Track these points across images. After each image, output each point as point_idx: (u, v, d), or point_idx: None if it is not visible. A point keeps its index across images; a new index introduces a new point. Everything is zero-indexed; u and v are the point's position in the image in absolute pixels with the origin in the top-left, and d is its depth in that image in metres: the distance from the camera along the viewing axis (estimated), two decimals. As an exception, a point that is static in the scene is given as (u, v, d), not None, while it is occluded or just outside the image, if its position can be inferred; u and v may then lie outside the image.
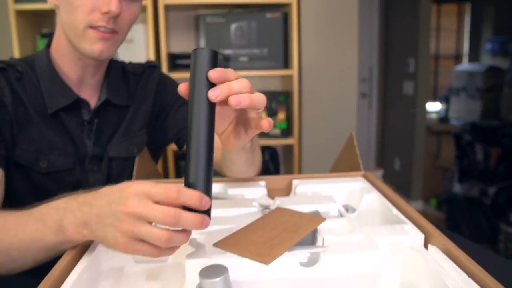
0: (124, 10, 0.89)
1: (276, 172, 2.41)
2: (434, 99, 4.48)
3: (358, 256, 0.59)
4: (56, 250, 0.66)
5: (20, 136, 0.92)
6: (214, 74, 0.57)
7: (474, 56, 4.96)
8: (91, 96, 1.01)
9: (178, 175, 2.24)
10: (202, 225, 0.54)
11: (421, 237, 0.64)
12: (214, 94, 0.56)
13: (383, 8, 4.03)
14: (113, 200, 0.56)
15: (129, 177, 1.05)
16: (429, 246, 0.61)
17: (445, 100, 4.45)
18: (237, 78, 0.60)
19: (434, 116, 4.59)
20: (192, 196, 0.54)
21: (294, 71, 2.22)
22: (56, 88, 0.95)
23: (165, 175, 2.25)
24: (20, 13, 1.97)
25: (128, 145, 1.05)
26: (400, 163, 3.93)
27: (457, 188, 3.52)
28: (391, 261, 0.62)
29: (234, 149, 0.71)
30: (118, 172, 1.04)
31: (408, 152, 3.73)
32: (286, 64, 2.29)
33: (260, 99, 0.60)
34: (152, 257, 0.56)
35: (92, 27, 0.87)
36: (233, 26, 2.23)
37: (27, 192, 0.97)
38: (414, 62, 3.60)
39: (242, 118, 0.66)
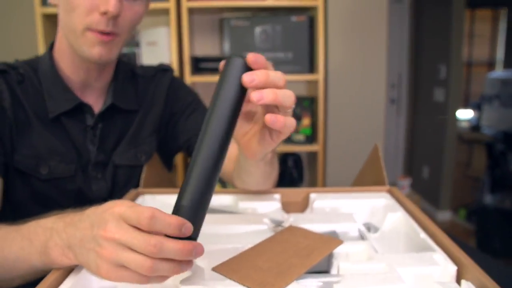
0: (125, 10, 0.83)
1: (300, 179, 2.33)
2: (466, 106, 4.32)
3: (377, 291, 0.51)
4: (43, 272, 0.60)
5: (19, 141, 0.87)
6: (252, 58, 0.51)
7: (509, 63, 4.78)
8: (95, 100, 0.95)
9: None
10: (192, 254, 0.47)
11: (452, 269, 0.55)
12: (249, 79, 0.50)
13: (414, 12, 3.91)
14: (95, 223, 0.50)
15: (136, 186, 0.99)
16: (463, 281, 0.52)
17: (477, 107, 4.29)
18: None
19: (465, 124, 4.44)
20: (169, 224, 0.47)
21: (319, 76, 2.14)
22: (58, 91, 0.90)
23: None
24: (46, 17, 1.96)
25: (136, 152, 0.99)
26: (429, 171, 3.80)
27: (488, 199, 3.37)
28: (417, 298, 0.54)
29: (256, 157, 0.63)
30: (125, 181, 0.99)
31: (438, 161, 3.61)
32: (312, 68, 2.22)
33: (287, 95, 0.53)
34: (140, 284, 0.50)
35: (91, 29, 0.81)
36: (257, 30, 2.18)
37: (29, 200, 0.92)
38: (445, 68, 3.48)
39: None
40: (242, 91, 0.52)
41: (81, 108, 0.92)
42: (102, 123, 0.95)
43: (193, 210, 0.48)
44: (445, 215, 3.61)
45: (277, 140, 0.59)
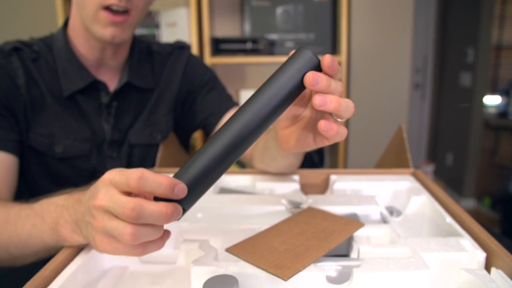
0: None
1: (321, 163, 2.29)
2: (493, 92, 4.19)
3: (400, 276, 0.47)
4: (55, 249, 0.59)
5: (34, 119, 0.86)
6: (328, 61, 0.47)
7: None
8: (111, 78, 0.93)
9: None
10: (172, 217, 0.43)
11: (481, 256, 0.52)
12: (314, 80, 0.46)
13: (442, -7, 3.79)
14: (91, 194, 0.47)
15: (153, 165, 0.98)
16: (493, 269, 0.48)
17: (505, 93, 4.16)
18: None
19: (492, 110, 4.31)
20: (160, 183, 0.43)
21: (342, 57, 2.09)
22: (72, 69, 0.88)
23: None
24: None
25: (152, 131, 0.97)
26: (453, 158, 3.72)
27: (514, 187, 3.29)
28: (442, 286, 0.51)
29: (289, 151, 0.60)
30: (140, 160, 0.97)
31: (462, 147, 3.52)
32: (334, 50, 2.16)
33: (349, 107, 0.49)
34: (134, 256, 0.47)
35: (105, 7, 0.79)
36: (279, 10, 2.14)
37: (44, 179, 0.91)
38: (473, 52, 3.36)
39: (316, 123, 0.54)
40: (299, 88, 0.47)
41: (96, 86, 0.91)
42: (117, 101, 0.93)
43: (194, 175, 0.44)
44: (469, 203, 3.53)
45: (321, 144, 0.55)
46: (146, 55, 1.00)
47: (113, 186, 0.44)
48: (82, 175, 0.91)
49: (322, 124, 0.48)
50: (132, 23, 0.85)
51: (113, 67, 0.93)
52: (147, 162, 0.98)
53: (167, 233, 0.48)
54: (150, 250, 0.47)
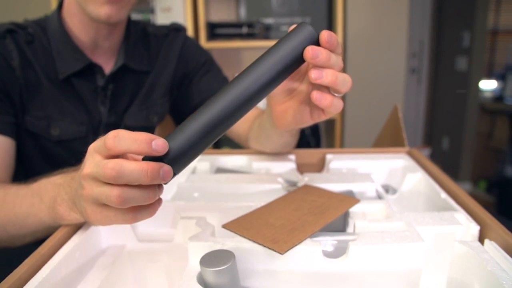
0: None
1: (317, 146, 2.30)
2: (489, 76, 4.19)
3: (396, 249, 0.48)
4: (53, 229, 0.59)
5: (30, 101, 0.86)
6: (326, 35, 0.47)
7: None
8: (106, 60, 0.93)
9: (215, 145, 2.17)
10: (159, 175, 0.41)
11: (475, 228, 0.52)
12: (314, 54, 0.46)
13: (438, -23, 3.77)
14: (81, 167, 0.47)
15: None
16: (486, 240, 0.49)
17: (501, 78, 4.16)
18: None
19: (488, 94, 4.32)
20: (135, 139, 0.40)
21: (339, 41, 2.08)
22: (67, 52, 0.87)
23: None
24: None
25: (148, 113, 0.97)
26: (449, 142, 3.73)
27: (510, 171, 3.31)
28: (437, 258, 0.51)
29: (285, 129, 0.60)
30: None
31: (458, 131, 3.53)
32: (330, 33, 2.16)
33: (346, 80, 0.49)
34: (125, 223, 0.46)
35: None
36: (275, -5, 2.13)
37: (40, 162, 0.91)
38: (469, 36, 3.36)
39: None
40: (298, 61, 0.47)
41: (91, 68, 0.90)
42: (113, 84, 0.93)
43: (178, 156, 0.43)
44: (465, 187, 3.55)
45: (318, 119, 0.55)
46: (142, 37, 1.00)
47: (97, 153, 0.43)
48: (79, 158, 0.91)
49: (314, 94, 0.48)
50: (129, 3, 0.84)
51: (108, 49, 0.93)
52: None
53: (158, 201, 0.46)
54: (142, 216, 0.46)
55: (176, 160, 0.42)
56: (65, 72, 0.87)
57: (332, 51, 0.48)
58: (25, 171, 0.92)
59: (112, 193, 0.41)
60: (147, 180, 0.41)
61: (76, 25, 0.88)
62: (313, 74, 0.46)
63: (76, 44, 0.89)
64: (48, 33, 0.89)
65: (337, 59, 0.48)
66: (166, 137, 0.43)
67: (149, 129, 0.99)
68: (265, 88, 0.46)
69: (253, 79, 0.45)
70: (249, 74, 0.45)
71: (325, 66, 0.47)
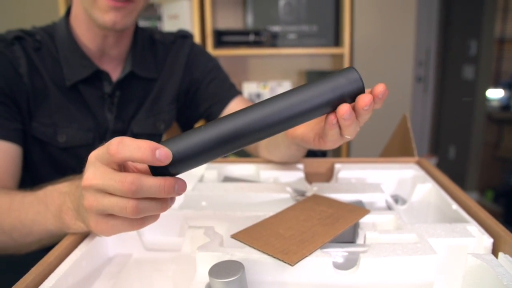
0: None
1: (323, 155, 2.29)
2: (496, 85, 4.18)
3: (407, 261, 0.47)
4: (58, 237, 0.59)
5: (37, 108, 0.86)
6: (381, 90, 0.48)
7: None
8: (114, 67, 0.93)
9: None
10: (175, 190, 0.42)
11: (488, 241, 0.51)
12: (367, 102, 0.46)
13: (445, -15, 3.77)
14: (82, 177, 0.46)
15: None
16: (500, 254, 0.48)
17: (508, 87, 4.15)
18: None
19: (495, 103, 4.30)
20: (139, 146, 0.40)
21: (345, 50, 2.08)
22: (75, 59, 0.88)
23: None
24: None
25: (155, 121, 0.97)
26: (455, 151, 3.71)
27: (517, 181, 3.28)
28: (449, 270, 0.50)
29: (292, 139, 0.62)
30: None
31: (465, 141, 3.51)
32: (337, 42, 2.16)
33: (356, 130, 0.51)
34: (133, 230, 0.46)
35: None
36: (281, 2, 2.14)
37: (48, 169, 0.91)
38: (476, 44, 3.34)
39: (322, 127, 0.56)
40: (334, 103, 0.46)
41: (99, 75, 0.90)
42: (120, 91, 0.93)
43: (184, 145, 0.42)
44: (472, 197, 3.51)
45: (318, 146, 0.58)
46: (149, 44, 1.00)
47: (99, 162, 0.43)
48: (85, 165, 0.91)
49: (330, 118, 0.49)
50: (134, 11, 0.84)
51: (115, 57, 0.93)
52: None
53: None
54: (149, 222, 0.46)
55: (178, 167, 0.42)
56: (72, 79, 0.87)
57: (375, 105, 0.48)
58: (31, 178, 0.92)
59: (129, 205, 0.41)
60: (163, 195, 0.41)
61: (84, 32, 0.88)
62: (344, 113, 0.47)
63: (84, 51, 0.89)
64: (55, 40, 0.90)
65: (363, 119, 0.50)
66: (173, 138, 0.43)
67: (156, 136, 0.98)
68: (290, 120, 0.45)
69: (280, 107, 0.44)
70: (278, 101, 0.44)
71: (347, 123, 0.48)
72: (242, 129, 0.43)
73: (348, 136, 0.52)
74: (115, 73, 0.93)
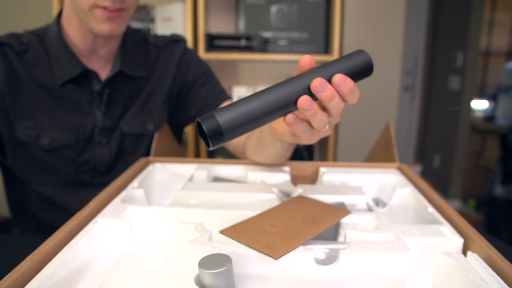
0: None
1: (310, 160, 2.33)
2: (481, 96, 4.26)
3: (384, 258, 0.51)
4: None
5: (19, 113, 0.89)
6: (340, 79, 0.50)
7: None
8: (103, 66, 0.96)
9: (209, 154, 2.20)
10: None
11: (459, 241, 0.55)
12: (319, 87, 0.49)
13: (434, -3, 3.84)
14: None
15: (143, 154, 1.00)
16: (469, 253, 0.52)
17: (493, 98, 4.24)
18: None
19: (479, 114, 4.39)
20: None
21: (334, 57, 2.12)
22: (65, 58, 0.91)
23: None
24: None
25: (144, 121, 1.00)
26: (440, 159, 3.78)
27: (499, 190, 3.35)
28: (422, 267, 0.54)
29: (276, 135, 0.64)
30: (131, 149, 1.00)
31: (449, 149, 3.58)
32: (327, 49, 2.20)
33: (323, 121, 0.53)
34: None
35: (98, 6, 0.82)
36: (273, 8, 2.17)
37: (33, 169, 0.95)
38: (462, 56, 3.42)
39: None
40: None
41: (88, 74, 0.93)
42: (109, 89, 0.96)
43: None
44: (455, 205, 3.60)
45: (295, 140, 0.61)
46: (141, 45, 1.03)
47: None
48: (69, 163, 0.94)
49: (288, 117, 0.51)
50: (126, 17, 0.88)
51: (105, 56, 0.96)
52: (138, 151, 1.01)
53: None
54: None
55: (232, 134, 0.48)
56: (62, 78, 0.91)
57: (342, 93, 0.51)
58: (18, 179, 0.95)
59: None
60: None
61: (75, 33, 0.91)
62: (302, 102, 0.49)
63: (73, 52, 0.92)
64: (46, 41, 0.93)
65: (338, 103, 0.51)
66: (225, 109, 0.48)
67: (145, 136, 1.01)
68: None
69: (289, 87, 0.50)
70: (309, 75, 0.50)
71: (327, 102, 0.50)
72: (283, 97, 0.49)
73: (319, 129, 0.54)
74: (104, 72, 0.96)
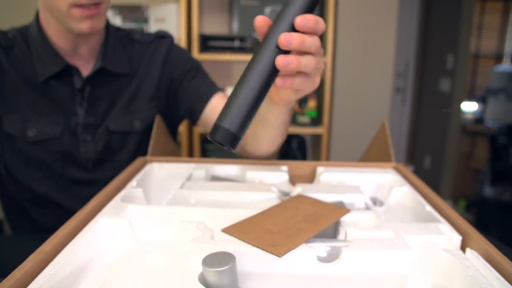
0: None
1: (303, 158, 2.34)
2: (471, 98, 4.31)
3: (384, 255, 0.52)
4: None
5: (5, 105, 0.90)
6: (301, 21, 0.50)
7: (516, 56, 4.74)
8: (85, 63, 0.97)
9: (204, 154, 2.20)
10: None
11: (458, 238, 0.56)
12: (286, 41, 0.50)
13: (424, 1, 3.87)
14: None
15: (131, 151, 1.01)
16: (467, 250, 0.53)
17: (482, 100, 4.28)
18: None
19: (469, 116, 4.43)
20: None
21: (327, 59, 2.14)
22: (46, 55, 0.92)
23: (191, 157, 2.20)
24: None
25: (131, 119, 1.00)
26: (430, 161, 3.81)
27: (488, 191, 3.39)
28: (422, 264, 0.55)
29: (280, 103, 0.65)
30: (119, 146, 1.00)
31: (440, 151, 3.61)
32: (319, 51, 2.21)
33: (310, 61, 0.54)
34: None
35: (76, 5, 0.82)
36: (267, 10, 2.18)
37: (20, 162, 0.95)
38: (452, 58, 3.45)
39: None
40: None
41: (69, 71, 0.94)
42: (91, 86, 0.96)
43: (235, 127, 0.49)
44: (445, 205, 3.62)
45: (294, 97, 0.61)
46: (125, 42, 1.03)
47: None
48: (55, 157, 0.95)
49: (277, 81, 0.53)
50: (105, 12, 0.89)
51: (86, 53, 0.96)
52: (126, 148, 1.01)
53: None
54: None
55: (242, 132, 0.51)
56: (44, 75, 0.91)
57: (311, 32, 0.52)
58: (6, 171, 0.95)
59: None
60: None
61: (54, 34, 0.92)
62: (280, 63, 0.50)
63: (55, 49, 0.93)
64: (29, 38, 0.93)
65: (312, 41, 0.52)
66: (225, 115, 0.50)
67: (132, 133, 1.01)
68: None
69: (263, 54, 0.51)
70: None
71: (302, 50, 0.52)
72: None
73: (312, 71, 0.55)
74: (86, 69, 0.97)
